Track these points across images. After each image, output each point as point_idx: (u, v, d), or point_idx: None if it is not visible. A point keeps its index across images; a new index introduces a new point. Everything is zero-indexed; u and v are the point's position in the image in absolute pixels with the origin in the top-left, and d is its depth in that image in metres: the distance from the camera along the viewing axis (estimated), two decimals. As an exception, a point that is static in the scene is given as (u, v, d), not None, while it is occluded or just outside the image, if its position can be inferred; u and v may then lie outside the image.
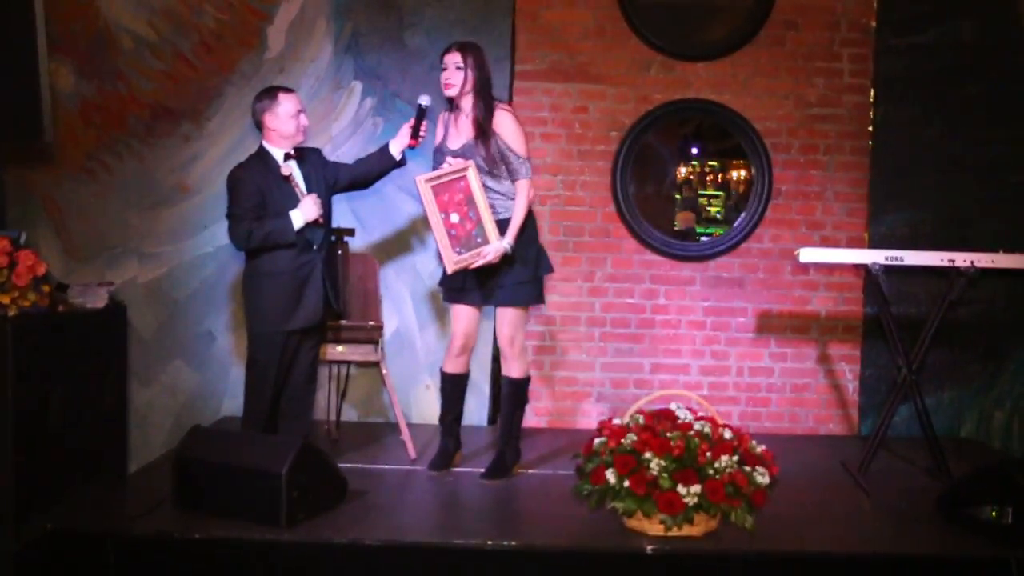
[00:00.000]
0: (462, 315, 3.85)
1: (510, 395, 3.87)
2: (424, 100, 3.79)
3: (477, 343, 4.00)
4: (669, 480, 3.04)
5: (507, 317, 3.77)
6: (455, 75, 3.68)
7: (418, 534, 3.20)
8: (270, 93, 3.82)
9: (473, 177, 3.63)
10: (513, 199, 3.72)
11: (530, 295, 3.77)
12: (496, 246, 3.62)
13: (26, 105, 4.16)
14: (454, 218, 3.65)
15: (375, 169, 3.93)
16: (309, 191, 3.78)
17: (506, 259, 3.67)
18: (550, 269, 3.87)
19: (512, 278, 3.71)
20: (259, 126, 3.83)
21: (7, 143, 4.37)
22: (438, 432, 4.03)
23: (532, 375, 4.78)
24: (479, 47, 3.76)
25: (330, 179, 3.91)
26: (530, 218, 3.77)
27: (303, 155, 3.88)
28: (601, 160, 4.85)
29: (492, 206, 3.68)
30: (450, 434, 3.96)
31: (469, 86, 3.68)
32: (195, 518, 3.23)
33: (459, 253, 3.64)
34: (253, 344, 3.82)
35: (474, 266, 3.65)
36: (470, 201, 3.64)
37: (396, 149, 3.87)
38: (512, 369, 3.83)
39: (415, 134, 3.79)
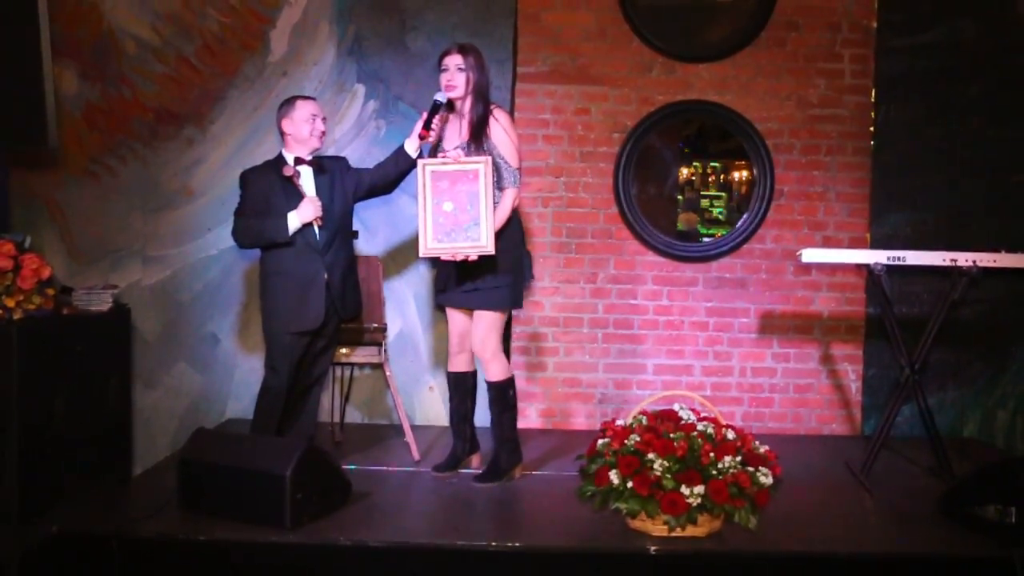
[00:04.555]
0: (453, 317, 3.88)
1: (495, 399, 3.82)
2: (440, 96, 3.78)
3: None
4: (672, 481, 3.05)
5: (479, 320, 3.76)
6: (457, 76, 3.68)
7: (422, 535, 3.20)
8: (290, 101, 3.91)
9: (486, 174, 3.59)
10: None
11: (504, 299, 3.73)
12: (481, 248, 3.57)
13: (30, 109, 4.18)
14: (447, 207, 3.61)
15: (392, 171, 3.94)
16: (320, 198, 3.81)
17: (484, 263, 3.64)
18: (531, 276, 3.85)
19: (487, 282, 3.68)
20: (281, 135, 3.91)
21: (11, 147, 4.38)
22: (444, 434, 4.02)
23: (536, 376, 4.83)
24: (478, 49, 3.76)
25: (351, 186, 3.93)
26: (514, 223, 3.75)
27: (323, 164, 3.92)
28: (603, 161, 4.86)
29: (500, 228, 3.65)
30: (460, 436, 3.94)
31: (470, 88, 3.68)
32: (199, 520, 3.24)
33: (439, 241, 3.61)
34: (267, 343, 3.89)
35: (446, 257, 3.62)
36: (473, 196, 3.59)
37: (411, 147, 3.88)
38: (491, 373, 3.79)
39: (427, 126, 3.79)
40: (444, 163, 3.65)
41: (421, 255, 3.67)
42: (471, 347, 3.84)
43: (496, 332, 3.78)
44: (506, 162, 3.67)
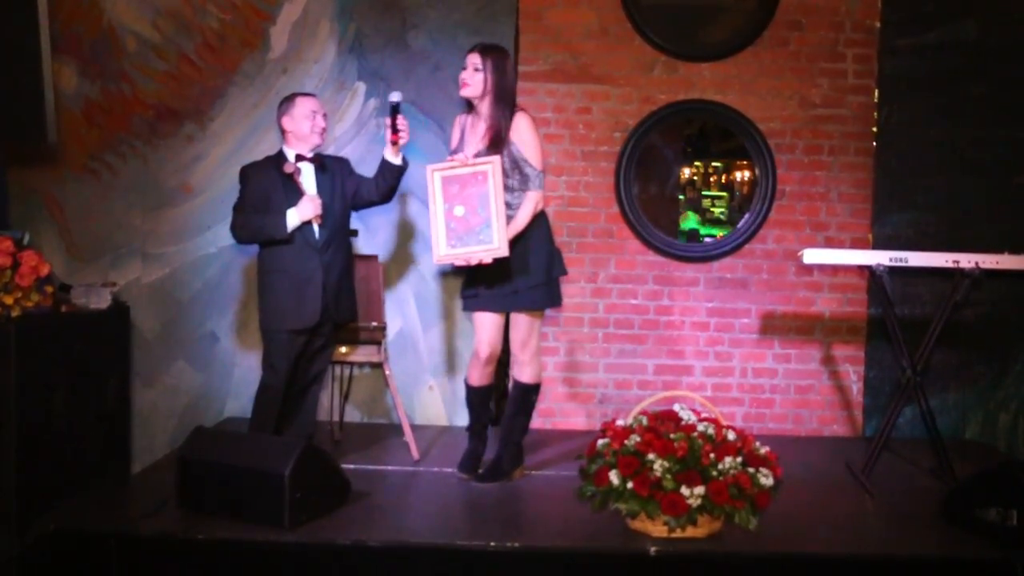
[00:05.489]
0: (484, 323, 3.76)
1: (516, 399, 3.82)
2: (395, 96, 3.74)
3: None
4: (673, 481, 3.04)
5: (520, 322, 3.73)
6: (472, 76, 3.63)
7: (421, 535, 3.20)
8: (290, 98, 3.90)
9: (494, 175, 3.55)
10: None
11: (543, 299, 3.70)
12: (493, 250, 3.54)
13: (29, 106, 4.17)
14: (458, 211, 3.58)
15: (380, 181, 3.90)
16: (321, 196, 3.79)
17: (510, 265, 3.61)
18: (564, 272, 3.78)
19: (524, 283, 3.65)
20: (281, 133, 3.89)
21: (10, 143, 4.37)
22: (444, 434, 4.01)
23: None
24: (504, 52, 3.70)
25: (350, 189, 3.92)
26: (543, 221, 3.72)
27: (325, 162, 3.90)
28: (605, 161, 4.85)
29: (521, 231, 3.63)
30: (478, 437, 3.91)
31: (487, 90, 3.62)
32: (198, 519, 3.23)
33: (452, 247, 3.59)
34: (264, 341, 3.88)
35: (460, 263, 3.59)
36: (483, 198, 3.55)
37: (389, 155, 3.85)
38: (523, 374, 3.78)
39: (394, 130, 3.76)
40: (452, 167, 3.61)
41: (435, 262, 3.65)
42: (511, 346, 3.79)
43: (537, 333, 3.78)
44: (530, 164, 3.63)
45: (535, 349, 3.78)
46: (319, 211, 3.77)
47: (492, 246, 3.55)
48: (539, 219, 3.70)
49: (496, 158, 3.57)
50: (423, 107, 4.77)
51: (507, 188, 3.61)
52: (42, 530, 3.13)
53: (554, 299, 3.77)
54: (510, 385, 3.90)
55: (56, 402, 3.78)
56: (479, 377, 3.83)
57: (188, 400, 4.81)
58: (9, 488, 3.50)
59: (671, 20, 4.80)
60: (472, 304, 3.77)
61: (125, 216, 4.78)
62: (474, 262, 3.57)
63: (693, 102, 4.84)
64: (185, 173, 4.79)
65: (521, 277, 3.65)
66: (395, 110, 3.75)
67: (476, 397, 3.87)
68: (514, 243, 3.60)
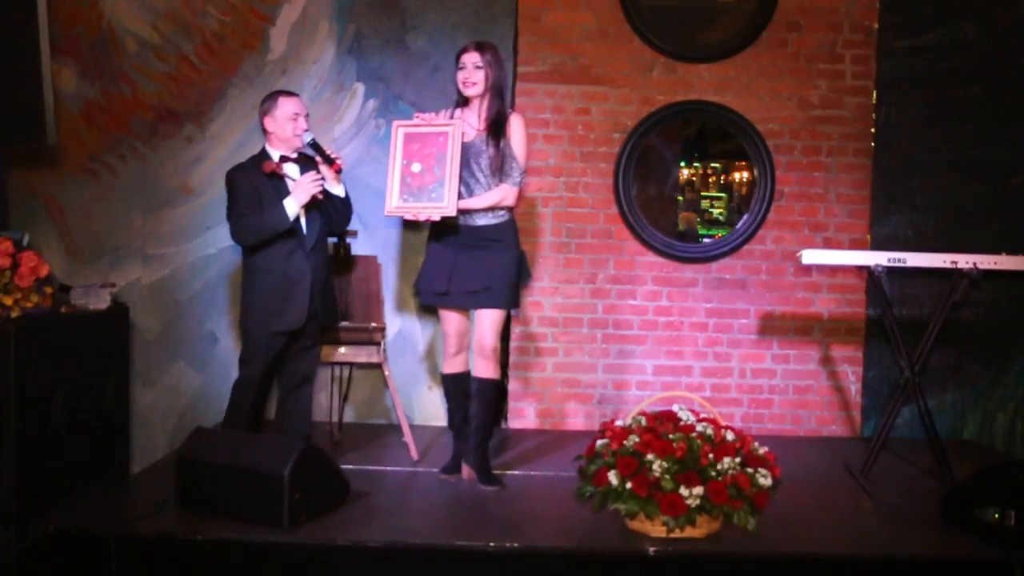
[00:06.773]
0: (451, 319, 3.85)
1: (493, 399, 3.83)
2: (308, 137, 3.79)
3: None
4: (671, 482, 3.05)
5: (493, 319, 3.75)
6: (475, 74, 3.66)
7: (420, 536, 3.20)
8: (272, 96, 3.85)
9: (454, 136, 3.61)
10: (502, 211, 3.72)
11: (514, 298, 3.80)
12: (442, 209, 3.57)
13: (29, 107, 4.17)
14: (415, 167, 3.63)
15: (333, 216, 3.88)
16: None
17: (485, 263, 3.68)
18: (529, 275, 3.93)
19: (501, 281, 3.69)
20: (263, 130, 3.87)
21: (10, 144, 4.37)
22: (443, 434, 4.02)
23: (535, 377, 4.83)
24: (496, 47, 3.76)
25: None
26: (514, 225, 3.79)
27: (308, 162, 3.87)
28: (603, 162, 4.86)
29: (478, 210, 3.69)
30: (461, 438, 3.92)
31: (489, 84, 3.68)
32: (198, 519, 3.23)
33: (404, 201, 3.64)
34: (243, 340, 3.87)
35: (410, 217, 3.65)
36: (440, 157, 3.61)
37: (333, 187, 3.84)
38: (490, 371, 3.79)
39: (329, 161, 3.77)
40: (417, 125, 3.68)
41: (386, 213, 3.70)
42: (476, 344, 3.79)
43: (500, 331, 3.81)
44: (516, 160, 3.69)
45: (498, 346, 3.80)
46: (315, 189, 3.71)
47: (442, 204, 3.59)
48: (512, 221, 3.78)
49: (459, 121, 3.65)
50: (422, 108, 4.71)
51: (487, 175, 3.69)
52: (42, 530, 3.13)
53: (518, 300, 3.88)
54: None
55: (56, 402, 3.78)
56: (451, 366, 3.91)
57: (188, 400, 4.81)
58: (9, 488, 3.50)
59: (670, 21, 4.81)
60: (440, 301, 3.80)
61: (125, 217, 4.78)
62: (422, 218, 3.64)
63: (692, 103, 4.84)
64: (185, 174, 4.80)
65: (498, 275, 3.70)
66: (315, 146, 3.78)
67: (452, 384, 3.91)
68: (492, 241, 3.70)
